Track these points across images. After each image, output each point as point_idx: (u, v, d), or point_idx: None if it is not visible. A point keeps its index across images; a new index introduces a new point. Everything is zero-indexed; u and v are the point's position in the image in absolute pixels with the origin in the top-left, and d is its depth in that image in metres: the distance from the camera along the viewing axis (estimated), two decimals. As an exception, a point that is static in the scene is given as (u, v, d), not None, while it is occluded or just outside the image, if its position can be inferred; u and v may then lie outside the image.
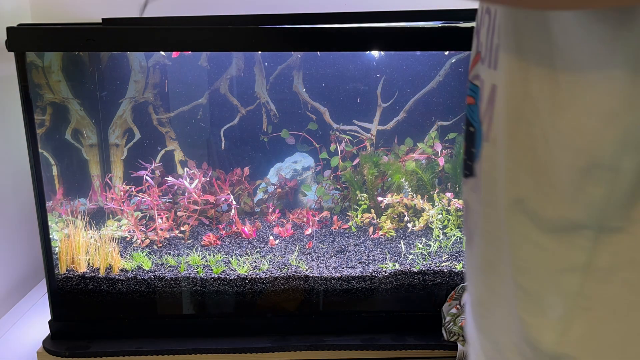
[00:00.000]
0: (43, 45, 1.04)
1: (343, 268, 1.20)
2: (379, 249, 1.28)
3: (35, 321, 1.28)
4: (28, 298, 1.41)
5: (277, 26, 0.99)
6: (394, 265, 1.20)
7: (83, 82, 1.40)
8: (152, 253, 1.26)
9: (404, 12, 1.43)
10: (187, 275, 1.16)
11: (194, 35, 1.01)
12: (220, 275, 1.17)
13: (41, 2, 1.52)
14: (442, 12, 1.29)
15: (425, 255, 1.24)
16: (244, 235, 1.34)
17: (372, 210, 1.42)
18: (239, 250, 1.28)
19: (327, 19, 1.34)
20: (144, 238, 1.30)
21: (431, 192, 1.40)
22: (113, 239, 1.22)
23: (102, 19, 1.13)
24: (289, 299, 1.18)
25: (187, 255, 1.24)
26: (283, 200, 1.52)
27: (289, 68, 1.45)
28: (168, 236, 1.34)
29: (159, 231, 1.32)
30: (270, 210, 1.47)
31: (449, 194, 1.38)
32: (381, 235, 1.34)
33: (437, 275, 1.19)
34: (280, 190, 1.50)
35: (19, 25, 1.04)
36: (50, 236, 1.12)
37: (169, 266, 1.19)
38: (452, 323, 1.11)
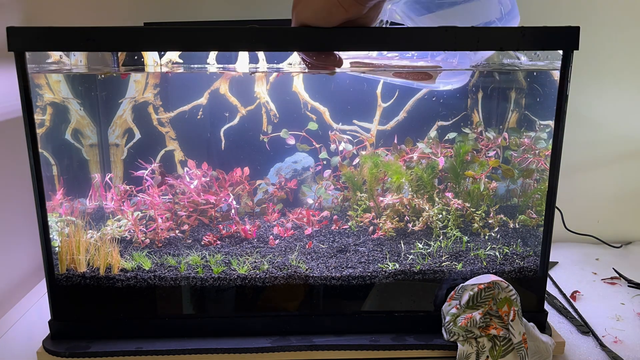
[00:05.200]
0: (43, 45, 1.04)
1: (343, 268, 1.20)
2: (379, 249, 1.28)
3: (35, 321, 1.28)
4: (28, 298, 1.41)
5: (277, 26, 0.99)
6: (394, 265, 1.20)
7: (83, 82, 1.40)
8: (152, 253, 1.26)
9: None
10: (187, 275, 1.16)
11: (194, 35, 1.01)
12: (220, 275, 1.17)
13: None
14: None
15: (425, 255, 1.24)
16: (244, 235, 1.34)
17: (372, 210, 1.42)
18: (239, 250, 1.28)
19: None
20: (144, 238, 1.30)
21: (431, 192, 1.40)
22: (113, 239, 1.22)
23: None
24: (289, 299, 1.18)
25: (187, 255, 1.24)
26: (283, 200, 1.52)
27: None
28: (168, 236, 1.34)
29: (159, 231, 1.32)
30: (270, 210, 1.47)
31: (449, 194, 1.38)
32: (381, 235, 1.34)
33: (437, 275, 1.19)
34: (280, 190, 1.50)
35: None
36: (50, 236, 1.12)
37: (169, 266, 1.19)
38: (452, 323, 1.11)
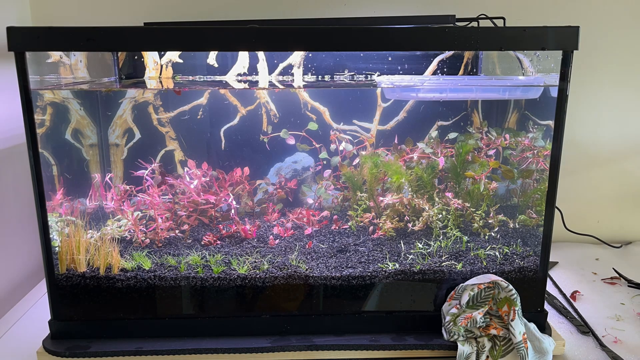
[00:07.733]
0: (43, 45, 1.04)
1: (343, 268, 1.20)
2: (379, 249, 1.27)
3: (35, 321, 1.28)
4: (28, 298, 1.41)
5: (277, 26, 0.99)
6: (394, 265, 1.20)
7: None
8: (152, 253, 1.26)
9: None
10: (187, 275, 1.16)
11: (194, 35, 1.01)
12: (220, 275, 1.17)
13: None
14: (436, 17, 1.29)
15: (425, 255, 1.24)
16: (244, 235, 1.34)
17: (372, 210, 1.42)
18: (239, 250, 1.28)
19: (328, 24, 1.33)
20: (144, 238, 1.30)
21: (431, 192, 1.39)
22: (113, 239, 1.22)
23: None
24: (289, 299, 1.18)
25: (187, 255, 1.24)
26: (283, 200, 1.52)
27: (289, 66, 1.45)
28: (168, 236, 1.34)
29: (159, 231, 1.32)
30: (270, 210, 1.47)
31: (449, 194, 1.38)
32: (381, 235, 1.34)
33: (437, 275, 1.19)
34: (280, 190, 1.50)
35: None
36: (50, 236, 1.12)
37: (169, 266, 1.19)
38: (452, 323, 1.11)
